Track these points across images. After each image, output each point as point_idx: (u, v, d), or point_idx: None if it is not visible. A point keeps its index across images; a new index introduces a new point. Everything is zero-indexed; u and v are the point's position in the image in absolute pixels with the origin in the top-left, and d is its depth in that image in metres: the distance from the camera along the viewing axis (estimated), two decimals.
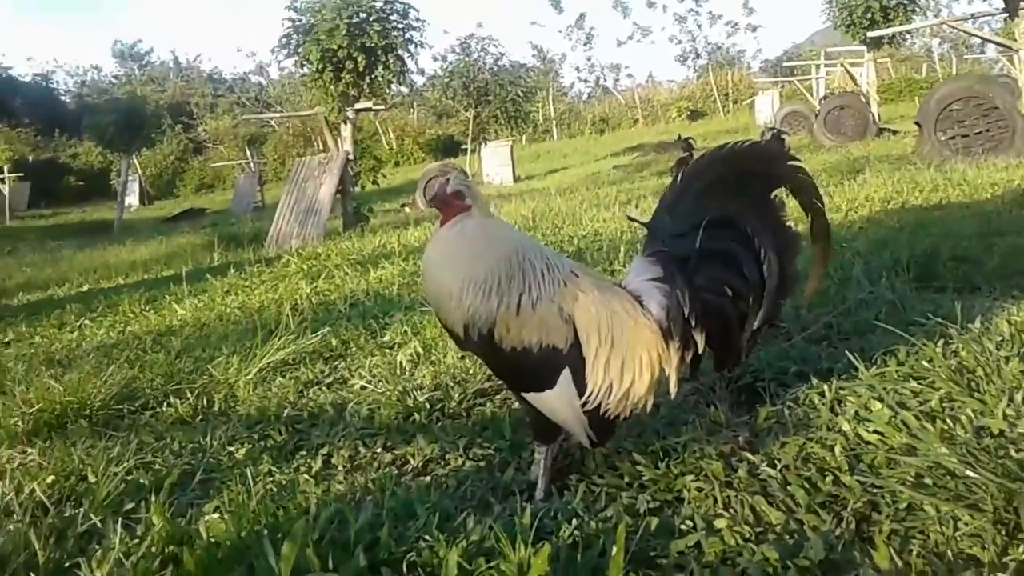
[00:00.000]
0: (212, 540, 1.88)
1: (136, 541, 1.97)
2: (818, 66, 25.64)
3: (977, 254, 4.45)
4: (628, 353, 2.11)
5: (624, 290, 2.20)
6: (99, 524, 2.16)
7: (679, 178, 2.25)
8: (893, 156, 11.62)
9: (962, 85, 11.18)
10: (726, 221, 2.16)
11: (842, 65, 20.40)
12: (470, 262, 2.07)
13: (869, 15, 17.80)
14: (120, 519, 2.13)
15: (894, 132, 16.85)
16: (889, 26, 16.62)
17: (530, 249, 2.14)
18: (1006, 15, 11.38)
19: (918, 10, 17.81)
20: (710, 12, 54.83)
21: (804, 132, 18.79)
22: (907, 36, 21.69)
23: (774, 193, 2.20)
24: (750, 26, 54.03)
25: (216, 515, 2.11)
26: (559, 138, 40.46)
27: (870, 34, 15.97)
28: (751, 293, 2.14)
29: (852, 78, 19.66)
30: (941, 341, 2.81)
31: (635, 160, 21.74)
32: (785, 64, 37.59)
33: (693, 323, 2.12)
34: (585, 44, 51.91)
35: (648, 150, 24.14)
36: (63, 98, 53.28)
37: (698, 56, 49.49)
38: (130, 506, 2.30)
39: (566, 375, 2.09)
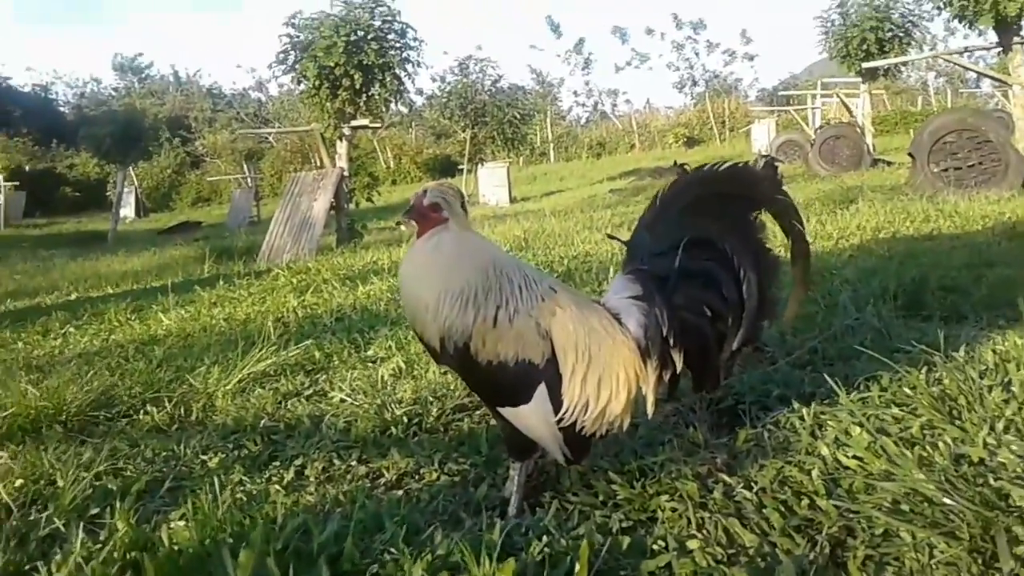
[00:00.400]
0: (174, 547, 1.84)
1: (99, 546, 1.93)
2: (814, 96, 25.82)
3: (965, 284, 4.44)
4: (605, 370, 2.08)
5: (603, 307, 2.18)
6: (63, 528, 2.12)
7: (659, 197, 2.24)
8: (886, 186, 11.66)
9: (956, 118, 11.25)
10: (706, 241, 2.15)
11: (838, 96, 20.55)
12: (446, 275, 2.05)
13: (864, 47, 17.93)
14: (84, 524, 2.09)
15: (888, 163, 16.95)
16: (884, 58, 16.75)
17: (507, 263, 2.12)
18: (1000, 50, 11.47)
19: (913, 43, 17.95)
20: (708, 40, 54.86)
21: (799, 161, 18.87)
22: (902, 68, 21.86)
23: (754, 215, 2.19)
24: (747, 55, 54.11)
25: (182, 522, 2.08)
26: (556, 161, 40.60)
27: (865, 65, 16.11)
28: (730, 314, 2.13)
29: (847, 109, 19.79)
30: (925, 369, 2.80)
31: (631, 184, 21.76)
32: (781, 93, 37.84)
33: (671, 342, 2.09)
34: (583, 69, 51.96)
35: (644, 175, 24.16)
36: (61, 109, 53.31)
37: (695, 84, 49.85)
38: (95, 511, 2.26)
39: (542, 391, 2.06)
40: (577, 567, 1.54)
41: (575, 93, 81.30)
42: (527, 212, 15.34)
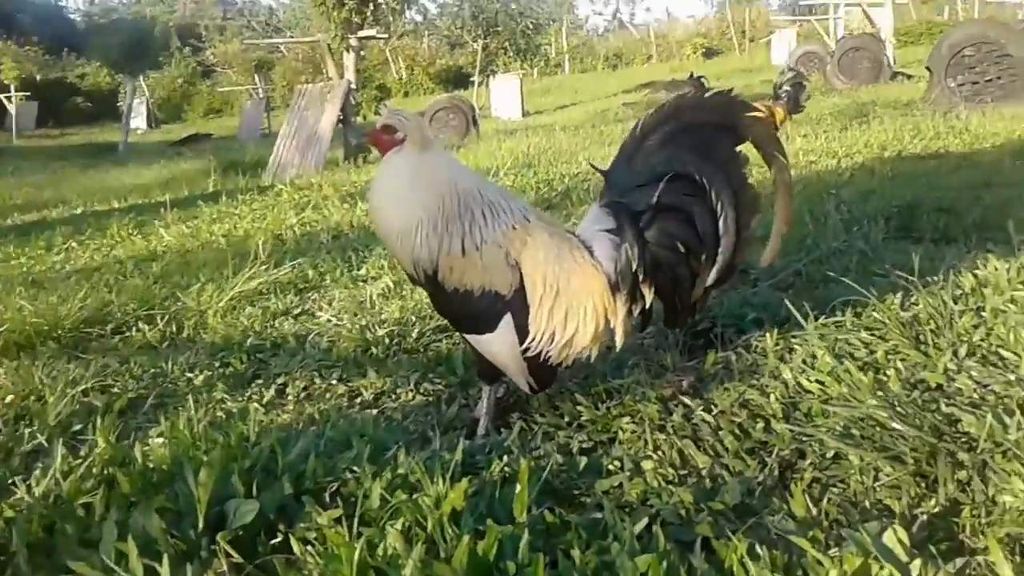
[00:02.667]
0: (148, 464, 1.92)
1: (78, 462, 2.01)
2: (837, 5, 25.03)
3: (961, 206, 4.40)
4: (573, 302, 2.10)
5: (576, 239, 2.18)
6: (46, 443, 2.21)
7: (639, 126, 2.21)
8: (902, 102, 11.42)
9: (975, 31, 10.93)
10: (683, 174, 2.10)
11: (860, 5, 19.91)
12: (405, 201, 2.07)
13: None
14: (67, 440, 2.18)
15: (908, 76, 16.51)
16: None
17: (470, 188, 2.12)
18: None
19: None
20: None
21: (819, 73, 18.41)
22: None
23: (737, 147, 2.14)
24: None
25: (160, 440, 2.16)
26: (571, 72, 39.84)
27: None
28: (704, 250, 2.11)
29: (869, 19, 19.21)
30: (900, 294, 2.81)
31: (645, 97, 21.33)
32: (804, 3, 36.70)
33: (641, 276, 2.09)
34: None
35: (659, 87, 23.65)
36: (72, 17, 52.53)
37: None
38: (79, 427, 2.35)
39: (508, 320, 2.10)
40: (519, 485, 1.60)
41: (592, 1, 79.29)
42: (538, 126, 15.15)
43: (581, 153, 8.71)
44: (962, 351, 2.32)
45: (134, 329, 3.42)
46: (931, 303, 2.66)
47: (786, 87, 6.79)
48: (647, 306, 2.14)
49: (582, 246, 2.17)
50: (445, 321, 3.07)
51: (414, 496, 1.69)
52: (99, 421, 2.24)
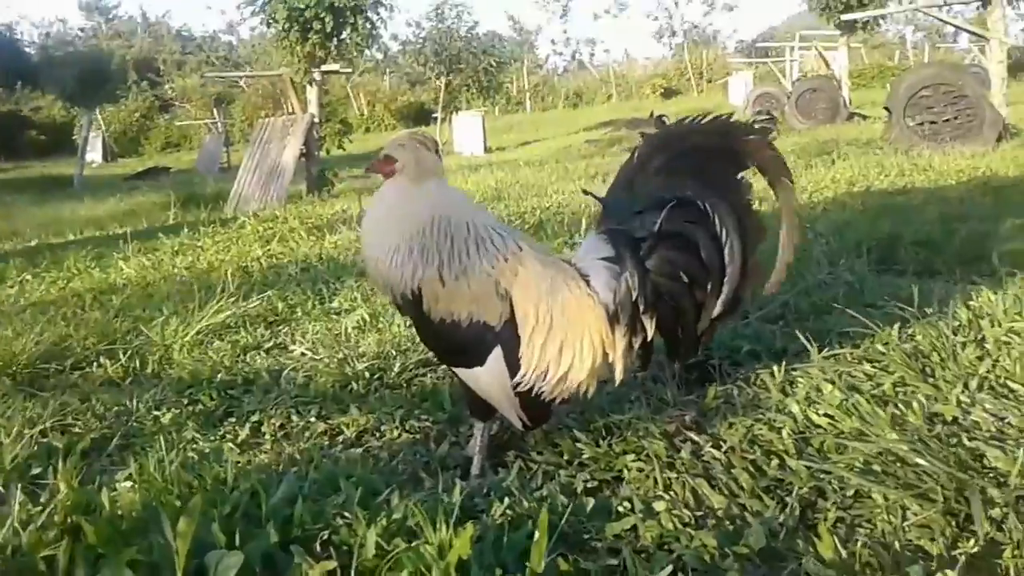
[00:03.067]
0: (117, 511, 1.75)
1: (39, 509, 1.83)
2: (792, 48, 25.60)
3: (938, 239, 4.39)
4: (568, 335, 1.97)
5: (572, 268, 2.06)
6: (1, 489, 2.02)
7: (637, 152, 2.11)
8: (862, 140, 11.59)
9: (932, 72, 11.17)
10: (685, 200, 2.00)
11: (816, 48, 20.37)
12: (386, 228, 1.98)
13: None
14: (25, 485, 1.99)
15: (864, 117, 16.85)
16: (864, 10, 16.57)
17: (459, 217, 2.00)
18: (979, 3, 11.36)
19: None
20: None
21: (776, 114, 18.73)
22: (881, 22, 21.65)
23: (740, 173, 2.05)
24: (727, 5, 53.71)
25: (127, 484, 1.99)
26: (532, 110, 40.11)
27: (844, 17, 15.90)
28: (709, 279, 1.99)
29: (825, 62, 19.63)
30: (897, 325, 2.74)
31: (607, 135, 21.52)
32: (760, 45, 37.56)
33: (642, 307, 1.97)
34: (561, 17, 51.39)
35: (620, 125, 23.88)
36: (27, 50, 51.71)
37: (674, 34, 49.38)
38: (38, 471, 2.15)
39: (497, 353, 1.97)
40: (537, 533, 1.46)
41: (553, 42, 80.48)
42: (502, 162, 15.14)
43: (549, 187, 8.66)
44: (972, 383, 2.25)
45: (95, 364, 3.22)
46: (931, 334, 2.60)
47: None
48: (648, 339, 2.02)
49: (578, 276, 2.04)
50: (428, 354, 2.96)
51: (414, 544, 1.55)
52: (60, 464, 2.05)
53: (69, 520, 1.77)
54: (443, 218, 1.97)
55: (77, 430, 2.53)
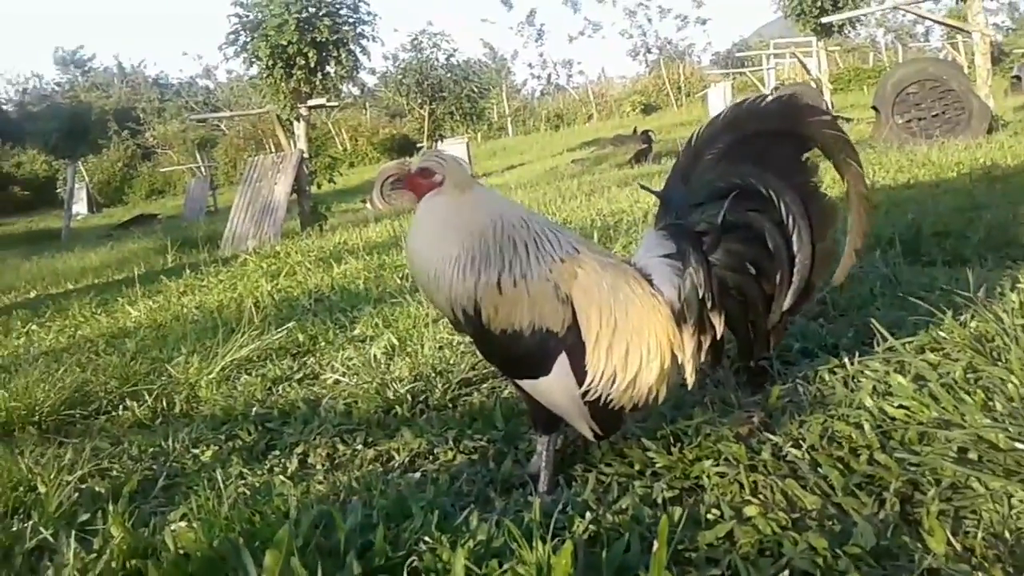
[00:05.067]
0: (181, 551, 1.65)
1: (93, 556, 1.73)
2: (768, 57, 25.80)
3: (960, 228, 4.35)
4: (634, 338, 1.89)
5: (632, 267, 1.98)
6: (51, 538, 1.91)
7: (693, 141, 2.03)
8: (852, 141, 11.60)
9: (917, 68, 11.23)
10: (748, 188, 1.90)
11: (795, 55, 20.51)
12: (442, 240, 1.89)
13: (819, 3, 17.87)
14: (75, 532, 1.88)
15: (848, 119, 16.94)
16: (839, 13, 16.70)
17: (513, 222, 1.92)
18: None
19: None
20: (660, 6, 55.00)
21: None
22: (855, 24, 21.86)
23: (804, 155, 1.95)
24: (699, 20, 54.36)
25: (184, 523, 1.88)
26: (514, 135, 40.25)
27: (822, 20, 16.04)
28: (778, 270, 1.89)
29: (804, 67, 19.77)
30: (950, 312, 2.67)
31: (592, 154, 21.55)
32: (736, 56, 37.88)
33: (709, 304, 1.89)
34: (536, 40, 51.78)
35: (605, 143, 23.96)
36: (4, 107, 51.68)
37: (649, 51, 49.78)
38: (85, 517, 2.04)
39: (563, 361, 1.88)
40: (655, 545, 1.37)
41: (530, 66, 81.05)
42: (493, 187, 15.12)
43: (546, 207, 8.60)
44: None
45: (120, 408, 3.12)
46: (990, 319, 2.53)
47: None
48: (718, 337, 1.94)
49: (639, 275, 1.97)
50: (469, 375, 2.88)
51: (505, 567, 1.46)
52: (109, 508, 1.95)
53: (128, 564, 1.68)
54: (502, 222, 1.90)
55: (115, 473, 2.43)
